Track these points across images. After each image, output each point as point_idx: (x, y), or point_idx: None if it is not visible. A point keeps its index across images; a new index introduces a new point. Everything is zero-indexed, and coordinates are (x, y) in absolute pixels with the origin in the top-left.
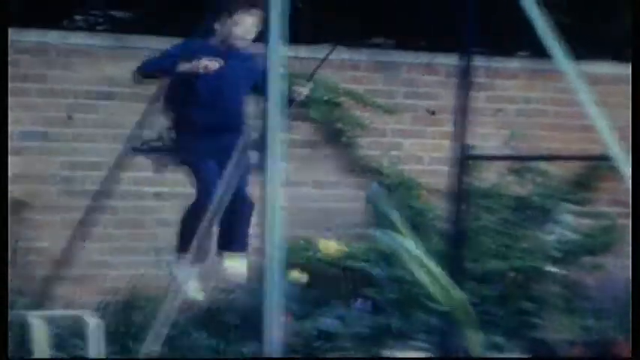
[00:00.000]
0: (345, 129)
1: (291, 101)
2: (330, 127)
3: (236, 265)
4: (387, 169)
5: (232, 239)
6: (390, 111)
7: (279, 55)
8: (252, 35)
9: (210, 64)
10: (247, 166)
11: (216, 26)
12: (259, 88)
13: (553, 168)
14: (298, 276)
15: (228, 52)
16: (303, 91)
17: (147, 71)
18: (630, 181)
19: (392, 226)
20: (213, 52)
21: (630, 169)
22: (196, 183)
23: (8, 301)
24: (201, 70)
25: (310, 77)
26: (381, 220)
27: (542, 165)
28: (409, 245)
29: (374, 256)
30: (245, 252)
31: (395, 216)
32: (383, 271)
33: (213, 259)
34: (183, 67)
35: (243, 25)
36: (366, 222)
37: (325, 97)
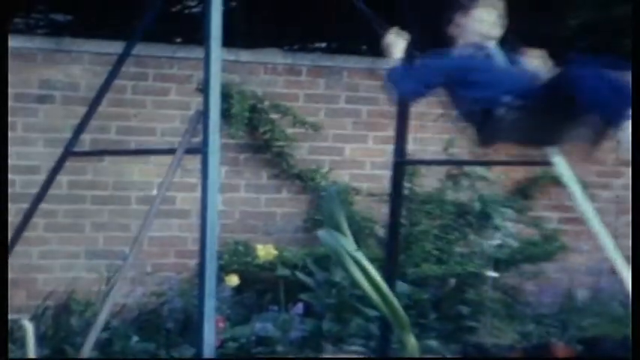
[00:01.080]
0: (271, 141)
1: None
2: (260, 137)
3: None
4: (319, 174)
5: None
6: (314, 127)
7: (218, 58)
8: (498, 32)
9: None
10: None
11: (461, 20)
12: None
13: (493, 174)
14: (233, 280)
15: (485, 48)
16: None
17: (415, 93)
18: (631, 180)
19: (337, 228)
20: (471, 54)
21: (631, 168)
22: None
23: (8, 301)
24: None
25: None
26: (328, 221)
27: (480, 170)
28: (350, 247)
29: (310, 261)
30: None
31: (342, 219)
32: (316, 278)
33: None
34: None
35: (488, 21)
36: (302, 227)
37: (247, 110)
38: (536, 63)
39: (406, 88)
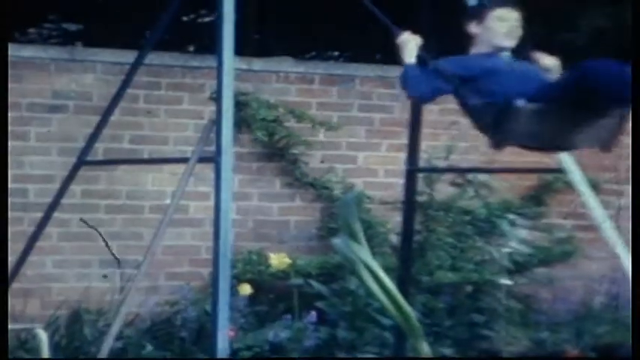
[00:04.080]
0: (289, 146)
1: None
2: (275, 145)
3: None
4: (332, 182)
5: None
6: (332, 128)
7: (231, 67)
8: (517, 34)
9: None
10: None
11: (474, 29)
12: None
13: (498, 181)
14: (246, 289)
15: (498, 55)
16: None
17: (425, 95)
18: (631, 180)
19: (353, 236)
20: (485, 59)
21: (631, 166)
22: None
23: (8, 306)
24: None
25: None
26: (344, 229)
27: (482, 178)
28: (365, 256)
29: (324, 269)
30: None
31: (357, 226)
32: (331, 286)
33: None
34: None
35: (508, 22)
36: (315, 235)
37: (266, 116)
38: (550, 67)
39: (418, 90)
